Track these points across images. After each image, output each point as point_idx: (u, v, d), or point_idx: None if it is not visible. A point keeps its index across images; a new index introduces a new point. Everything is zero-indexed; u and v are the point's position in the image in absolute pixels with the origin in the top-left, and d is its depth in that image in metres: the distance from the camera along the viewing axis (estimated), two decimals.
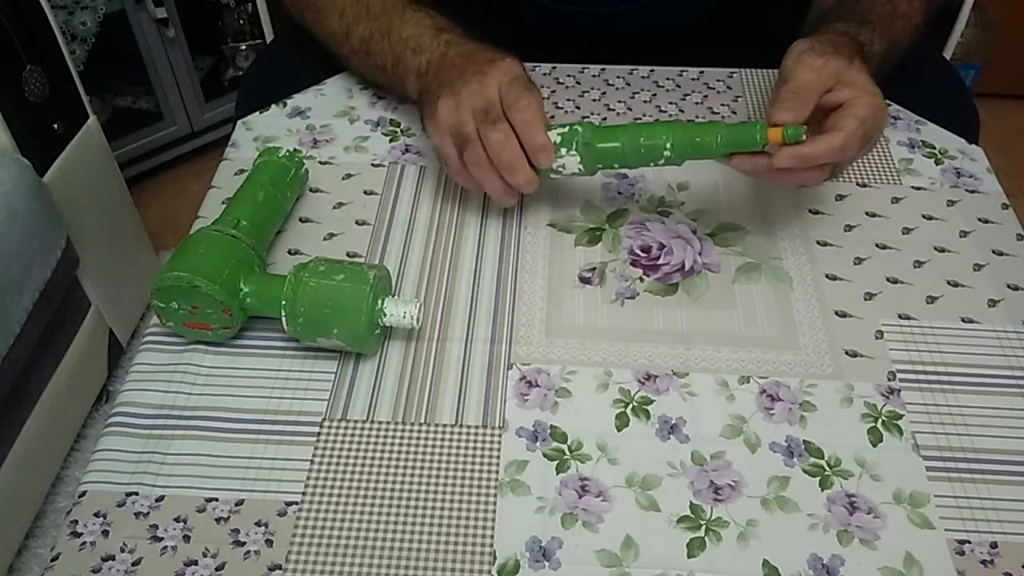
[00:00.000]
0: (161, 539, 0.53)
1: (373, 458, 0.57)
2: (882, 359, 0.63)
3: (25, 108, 1.10)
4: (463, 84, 0.65)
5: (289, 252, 0.70)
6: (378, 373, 0.62)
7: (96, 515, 0.54)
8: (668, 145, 0.63)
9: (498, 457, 0.57)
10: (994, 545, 0.53)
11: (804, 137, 0.59)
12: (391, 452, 0.57)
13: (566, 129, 0.65)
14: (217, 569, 0.52)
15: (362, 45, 0.77)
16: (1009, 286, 0.68)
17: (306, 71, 0.86)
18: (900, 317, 0.65)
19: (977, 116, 0.85)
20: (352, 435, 0.58)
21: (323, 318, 0.59)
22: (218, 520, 0.54)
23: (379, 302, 0.60)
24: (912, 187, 0.76)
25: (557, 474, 0.56)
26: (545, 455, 0.57)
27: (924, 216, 0.73)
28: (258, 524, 0.54)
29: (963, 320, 0.65)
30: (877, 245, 0.71)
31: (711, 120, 0.62)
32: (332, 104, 0.84)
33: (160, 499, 0.55)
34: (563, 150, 0.65)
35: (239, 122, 0.83)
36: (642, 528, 0.54)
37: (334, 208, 0.74)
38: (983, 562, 0.52)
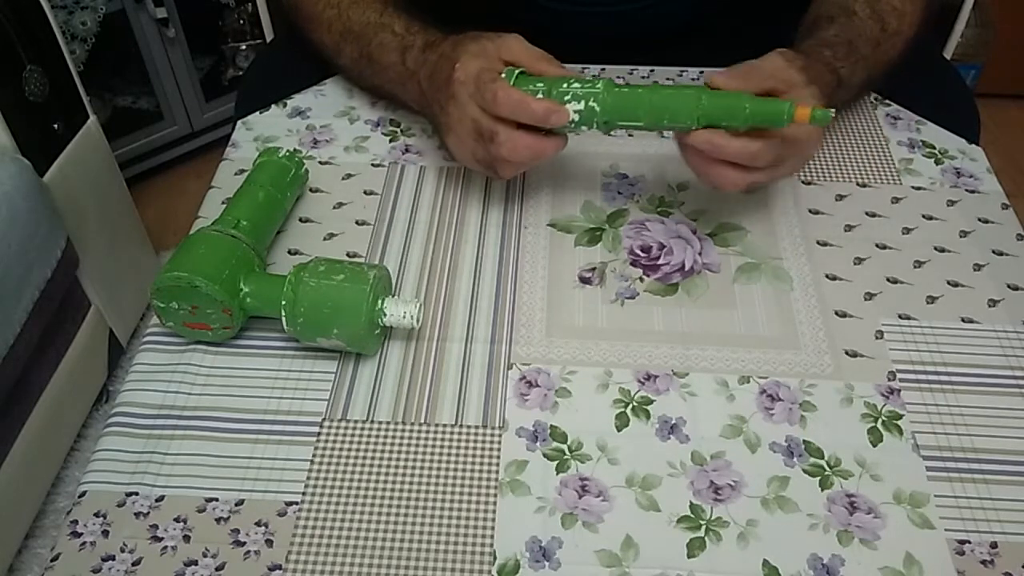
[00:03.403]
0: (161, 539, 0.53)
1: (373, 458, 0.57)
2: (882, 359, 0.63)
3: (25, 108, 1.10)
4: (447, 116, 0.67)
5: (289, 252, 0.70)
6: (378, 373, 0.62)
7: (96, 515, 0.54)
8: (692, 127, 0.62)
9: (498, 457, 0.57)
10: (994, 545, 0.53)
11: (832, 116, 0.59)
12: (391, 452, 0.57)
13: (582, 106, 0.63)
14: (217, 569, 0.52)
15: (354, 64, 0.79)
16: (1009, 286, 0.68)
17: (306, 71, 0.86)
18: (900, 317, 0.65)
19: (977, 116, 0.85)
20: (352, 435, 0.58)
21: (323, 318, 0.59)
22: (218, 520, 0.54)
23: (379, 302, 0.60)
24: (912, 187, 0.76)
25: (557, 474, 0.56)
26: (545, 455, 0.57)
27: (924, 216, 0.73)
28: (258, 524, 0.54)
29: (963, 320, 0.65)
30: (877, 245, 0.71)
31: (737, 92, 0.62)
32: (332, 104, 0.84)
33: (160, 499, 0.55)
34: (583, 128, 0.65)
35: (239, 122, 0.83)
36: (642, 528, 0.54)
37: (334, 208, 0.74)
38: (983, 562, 0.52)
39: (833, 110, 0.59)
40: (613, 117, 0.64)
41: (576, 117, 0.64)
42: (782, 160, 0.64)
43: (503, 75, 0.64)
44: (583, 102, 0.64)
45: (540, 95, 0.64)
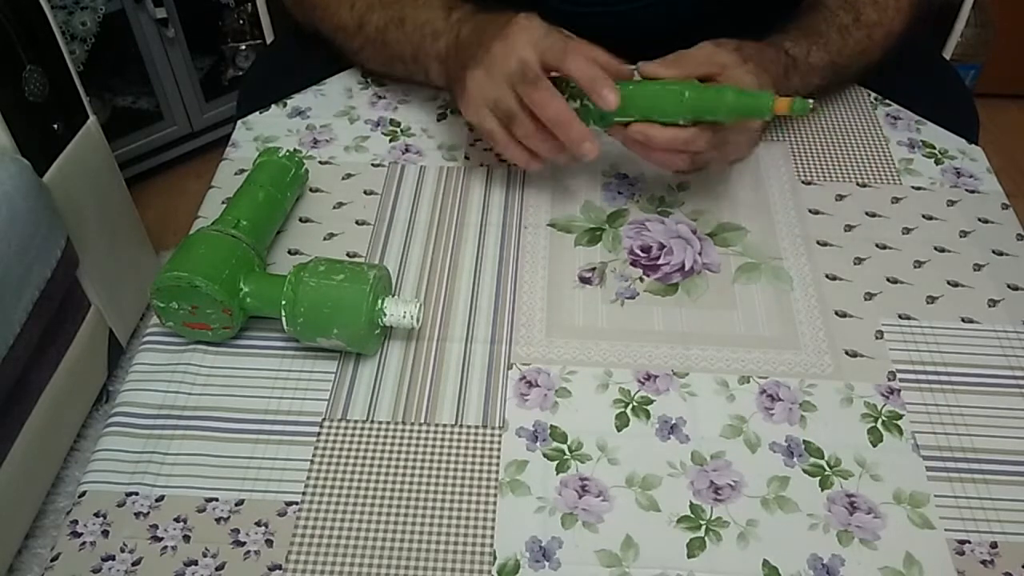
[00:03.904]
0: (161, 539, 0.53)
1: (373, 458, 0.57)
2: (882, 359, 0.63)
3: (25, 108, 1.10)
4: (486, 54, 0.64)
5: (289, 252, 0.70)
6: (378, 373, 0.62)
7: (96, 515, 0.54)
8: (680, 122, 0.64)
9: (498, 457, 0.57)
10: (994, 545, 0.53)
11: (811, 107, 0.62)
12: (391, 452, 0.57)
13: (578, 104, 0.66)
14: (217, 569, 0.52)
15: (378, 35, 0.77)
16: (1009, 286, 0.68)
17: (306, 71, 0.86)
18: (900, 317, 0.65)
19: (977, 116, 0.85)
20: (352, 435, 0.58)
21: (323, 318, 0.59)
22: (218, 520, 0.54)
23: (379, 302, 0.60)
24: (912, 187, 0.76)
25: (557, 474, 0.56)
26: (545, 455, 0.57)
27: (924, 216, 0.73)
28: (258, 524, 0.54)
29: (963, 320, 0.65)
30: (877, 245, 0.71)
31: (720, 87, 0.63)
32: (332, 104, 0.84)
33: (160, 499, 0.55)
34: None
35: (239, 122, 0.83)
36: (642, 528, 0.54)
37: (334, 208, 0.74)
38: (983, 562, 0.52)
39: (811, 101, 0.61)
40: (608, 114, 0.65)
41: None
42: (724, 141, 0.65)
43: None
44: (579, 100, 0.66)
45: None
